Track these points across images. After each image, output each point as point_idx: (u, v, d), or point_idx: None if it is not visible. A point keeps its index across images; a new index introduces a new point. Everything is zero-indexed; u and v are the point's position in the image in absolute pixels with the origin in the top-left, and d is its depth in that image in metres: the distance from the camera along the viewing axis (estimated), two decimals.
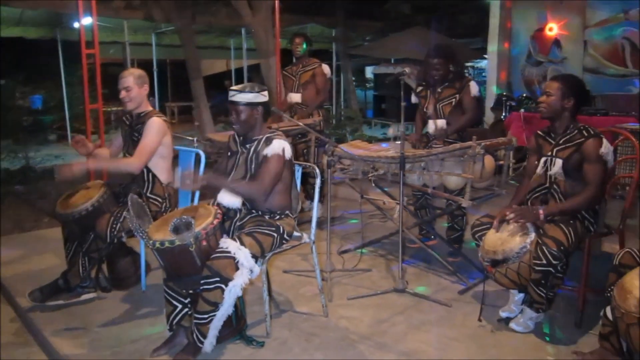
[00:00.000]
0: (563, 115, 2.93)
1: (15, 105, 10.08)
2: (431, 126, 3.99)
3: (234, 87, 2.86)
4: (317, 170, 3.05)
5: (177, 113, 14.84)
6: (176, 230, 2.43)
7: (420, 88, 4.11)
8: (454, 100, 3.92)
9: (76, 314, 3.17)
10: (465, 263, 3.83)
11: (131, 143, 3.40)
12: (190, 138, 4.60)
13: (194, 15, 9.04)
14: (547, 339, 2.86)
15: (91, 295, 3.33)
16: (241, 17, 7.74)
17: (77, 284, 3.25)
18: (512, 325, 2.94)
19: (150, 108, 3.44)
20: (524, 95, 7.26)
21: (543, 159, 3.00)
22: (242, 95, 2.81)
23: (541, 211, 2.81)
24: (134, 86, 3.32)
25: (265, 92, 2.88)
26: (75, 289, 3.27)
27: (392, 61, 13.02)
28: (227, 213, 2.85)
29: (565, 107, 2.91)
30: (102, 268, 3.44)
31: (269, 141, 2.85)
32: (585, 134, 2.86)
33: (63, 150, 9.57)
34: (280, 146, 2.81)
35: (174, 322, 2.73)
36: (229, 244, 2.56)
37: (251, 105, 2.82)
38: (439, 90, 3.97)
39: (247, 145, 2.92)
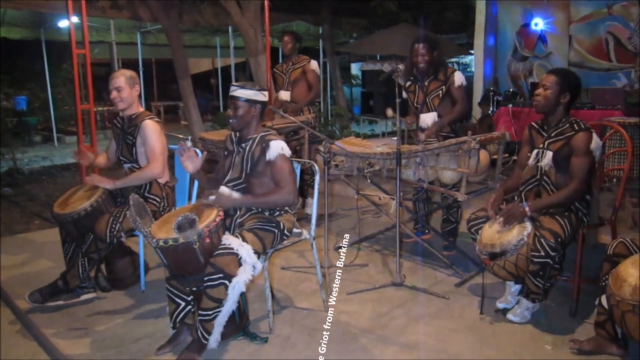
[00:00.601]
0: (557, 109, 2.98)
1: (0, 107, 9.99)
2: (423, 121, 4.01)
3: (235, 83, 2.89)
4: (316, 167, 3.09)
5: (162, 112, 14.75)
6: (180, 228, 2.44)
7: (409, 83, 4.12)
8: (440, 92, 3.94)
9: (77, 315, 3.17)
10: (460, 256, 3.89)
11: (125, 146, 3.40)
12: (183, 137, 4.60)
13: (181, 15, 9.00)
14: (544, 328, 2.92)
15: (91, 295, 3.34)
16: (229, 16, 7.72)
17: (77, 285, 3.25)
18: (509, 316, 3.01)
19: (141, 110, 3.44)
20: (511, 90, 7.36)
21: (535, 151, 3.06)
22: (243, 91, 2.84)
23: (527, 209, 2.88)
24: (125, 86, 3.32)
25: (265, 93, 2.91)
26: (74, 289, 3.26)
27: (379, 58, 13.07)
28: (227, 211, 2.87)
29: (561, 102, 2.96)
30: (100, 268, 3.44)
31: (264, 142, 2.87)
32: (576, 128, 2.92)
33: (49, 152, 9.49)
34: (279, 146, 2.83)
35: (177, 320, 2.75)
36: (231, 241, 2.58)
37: (250, 102, 2.85)
38: (426, 83, 4.00)
39: (243, 145, 2.94)
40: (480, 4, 8.03)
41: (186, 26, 10.42)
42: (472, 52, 9.06)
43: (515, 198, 3.15)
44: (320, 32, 13.01)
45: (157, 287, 3.47)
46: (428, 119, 3.94)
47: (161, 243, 2.46)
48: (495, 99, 7.08)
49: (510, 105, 6.16)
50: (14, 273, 3.81)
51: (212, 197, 2.75)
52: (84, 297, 3.31)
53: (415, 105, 4.07)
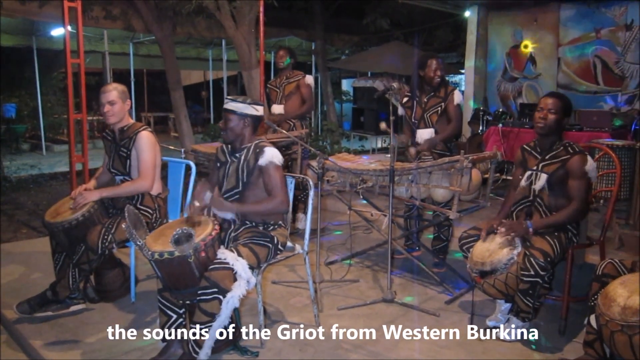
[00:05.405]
0: (556, 132, 3.05)
1: None
2: (420, 136, 4.04)
3: (228, 96, 2.95)
4: (311, 182, 3.11)
5: (152, 123, 14.73)
6: (177, 242, 2.45)
7: (406, 99, 4.17)
8: (439, 108, 3.99)
9: (66, 326, 3.13)
10: (450, 273, 3.92)
11: (117, 158, 3.38)
12: (176, 149, 4.61)
13: (175, 27, 9.04)
14: (534, 347, 2.95)
15: (80, 306, 3.31)
16: (222, 29, 7.78)
17: (66, 296, 3.22)
18: (499, 334, 3.02)
19: (132, 121, 3.43)
20: (500, 110, 7.48)
21: (528, 173, 3.11)
22: (234, 104, 2.91)
23: (530, 229, 2.92)
24: (118, 101, 3.30)
25: (259, 108, 2.95)
26: (64, 300, 3.23)
27: (369, 74, 13.20)
28: (221, 224, 2.88)
29: (562, 125, 3.04)
30: (89, 279, 3.42)
31: (258, 149, 2.90)
32: (571, 151, 2.98)
33: (38, 160, 9.41)
34: (272, 154, 2.87)
35: (168, 332, 2.73)
36: (227, 255, 2.59)
37: (240, 115, 2.90)
38: (425, 100, 4.05)
39: (237, 155, 2.97)
40: (472, 24, 8.17)
41: (179, 38, 10.47)
42: (462, 71, 9.18)
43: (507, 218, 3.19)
44: (312, 47, 13.13)
45: (147, 299, 3.45)
46: (425, 134, 3.99)
47: (156, 256, 2.45)
48: (484, 118, 7.18)
49: (500, 125, 6.24)
50: (1, 282, 3.76)
51: (209, 195, 2.79)
52: (73, 308, 3.28)
53: (412, 120, 4.10)
